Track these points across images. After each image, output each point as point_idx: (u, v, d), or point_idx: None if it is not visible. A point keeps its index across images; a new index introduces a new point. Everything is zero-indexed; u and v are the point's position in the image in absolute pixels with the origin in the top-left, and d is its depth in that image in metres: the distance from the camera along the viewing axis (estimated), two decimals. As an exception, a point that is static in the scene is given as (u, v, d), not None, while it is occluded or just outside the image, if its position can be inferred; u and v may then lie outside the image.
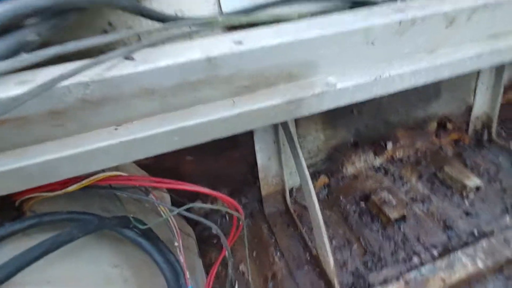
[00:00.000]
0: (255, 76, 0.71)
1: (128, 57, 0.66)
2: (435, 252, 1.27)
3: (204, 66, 0.66)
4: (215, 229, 0.81)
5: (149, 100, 0.66)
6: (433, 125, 1.75)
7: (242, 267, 1.27)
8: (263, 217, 1.47)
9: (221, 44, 0.69)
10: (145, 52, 0.68)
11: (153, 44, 0.71)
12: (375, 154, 1.69)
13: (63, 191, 0.68)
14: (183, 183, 0.77)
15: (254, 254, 1.34)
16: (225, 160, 1.36)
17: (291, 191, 1.51)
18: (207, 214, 1.45)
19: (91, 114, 0.63)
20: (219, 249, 1.35)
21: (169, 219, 0.78)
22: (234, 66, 0.68)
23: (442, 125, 1.75)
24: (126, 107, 0.65)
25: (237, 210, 0.85)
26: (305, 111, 0.75)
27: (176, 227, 0.84)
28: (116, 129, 0.65)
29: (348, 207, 1.51)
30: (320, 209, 1.16)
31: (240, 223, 0.91)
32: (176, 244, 0.84)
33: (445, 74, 0.86)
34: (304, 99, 0.73)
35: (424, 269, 1.14)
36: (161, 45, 0.71)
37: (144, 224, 0.81)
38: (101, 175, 0.69)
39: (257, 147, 1.33)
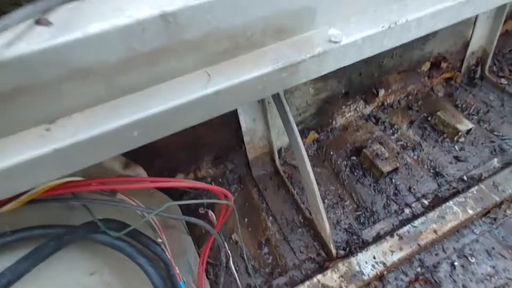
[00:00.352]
0: (234, 35, 0.52)
1: (40, 21, 0.44)
2: (426, 202, 1.27)
3: (160, 27, 0.46)
4: (202, 225, 0.70)
5: (87, 84, 0.47)
6: (427, 66, 1.62)
7: (234, 236, 1.22)
8: (252, 181, 1.39)
9: (180, -9, 0.47)
10: (67, 10, 0.45)
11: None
12: (366, 102, 1.57)
13: (-4, 213, 0.52)
14: (156, 179, 0.62)
15: (246, 220, 1.29)
16: (205, 127, 1.18)
17: (279, 151, 1.40)
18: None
19: (4, 112, 0.44)
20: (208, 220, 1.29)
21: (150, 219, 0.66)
22: (204, 24, 0.48)
23: (436, 65, 1.62)
24: (55, 97, 0.46)
25: (226, 197, 0.74)
26: (301, 78, 0.58)
27: (157, 223, 0.72)
28: (48, 130, 0.47)
29: (339, 162, 1.44)
30: (311, 166, 1.07)
31: (230, 205, 0.80)
32: (159, 240, 0.74)
33: (469, 12, 0.69)
34: (300, 63, 0.56)
35: (417, 222, 1.14)
36: (90, -4, 0.48)
37: (117, 226, 0.69)
38: (44, 187, 0.53)
39: (239, 110, 1.17)
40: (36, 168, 0.45)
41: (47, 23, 0.44)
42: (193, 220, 0.68)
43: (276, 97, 1.05)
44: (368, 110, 1.59)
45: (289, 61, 0.54)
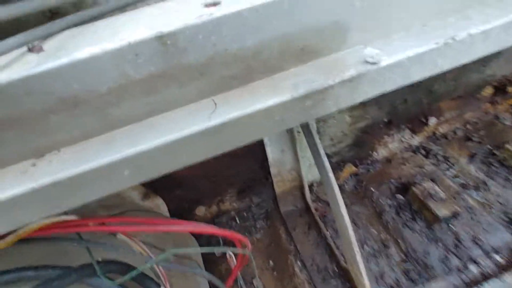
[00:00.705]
0: (245, 58, 0.44)
1: (33, 48, 0.41)
2: (498, 257, 1.01)
3: (157, 51, 0.39)
4: (213, 281, 0.59)
5: (77, 115, 0.41)
6: (488, 90, 1.39)
7: (256, 282, 1.08)
8: (280, 218, 1.25)
9: (184, 10, 0.41)
10: (67, 36, 0.42)
11: (81, 21, 0.44)
12: (413, 131, 1.38)
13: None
14: (162, 221, 0.54)
15: (271, 263, 1.15)
16: (228, 157, 1.11)
17: (310, 186, 1.26)
18: (213, 218, 1.26)
19: (-13, 147, 0.40)
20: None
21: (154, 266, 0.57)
22: (209, 46, 0.41)
23: (500, 89, 1.39)
24: (42, 130, 0.41)
25: (243, 245, 0.63)
26: (330, 107, 0.48)
27: (162, 270, 0.63)
28: (34, 165, 0.42)
29: (382, 200, 1.25)
30: (348, 205, 0.91)
31: (246, 254, 0.69)
32: (163, 290, 0.64)
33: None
34: (328, 90, 0.45)
35: (489, 286, 0.89)
36: (90, 22, 0.44)
37: (119, 269, 0.61)
38: (34, 226, 0.48)
39: (265, 140, 1.07)
40: (16, 208, 0.39)
41: (39, 50, 0.40)
42: (201, 272, 0.58)
43: (305, 127, 0.95)
44: (416, 141, 1.40)
45: (312, 87, 0.44)
